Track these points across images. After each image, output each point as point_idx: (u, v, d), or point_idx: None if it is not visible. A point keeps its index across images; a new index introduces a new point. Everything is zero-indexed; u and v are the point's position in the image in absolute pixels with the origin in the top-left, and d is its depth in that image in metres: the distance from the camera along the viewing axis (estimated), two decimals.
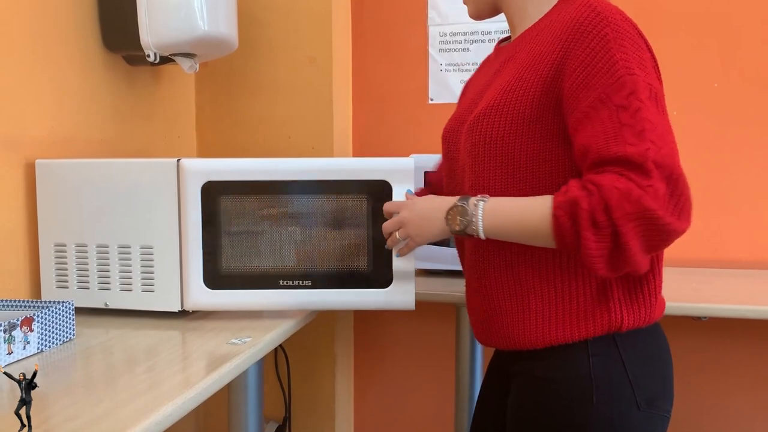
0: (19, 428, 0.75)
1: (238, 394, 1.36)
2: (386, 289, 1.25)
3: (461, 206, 1.01)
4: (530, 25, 1.09)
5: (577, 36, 0.97)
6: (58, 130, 1.41)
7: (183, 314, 1.26)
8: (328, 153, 1.92)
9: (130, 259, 1.25)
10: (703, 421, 1.92)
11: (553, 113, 0.99)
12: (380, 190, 1.24)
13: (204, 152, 2.00)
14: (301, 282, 1.26)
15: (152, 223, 1.23)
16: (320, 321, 1.93)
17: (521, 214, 0.97)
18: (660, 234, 0.89)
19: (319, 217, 1.26)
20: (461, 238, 1.14)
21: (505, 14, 1.16)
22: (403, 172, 1.23)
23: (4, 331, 0.97)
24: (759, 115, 1.86)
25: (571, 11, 1.00)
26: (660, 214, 0.87)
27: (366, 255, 1.26)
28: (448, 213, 1.03)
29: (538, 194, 0.99)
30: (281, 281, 1.26)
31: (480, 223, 1.00)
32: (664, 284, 1.07)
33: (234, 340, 1.10)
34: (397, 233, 1.12)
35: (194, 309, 1.24)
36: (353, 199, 1.25)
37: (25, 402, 0.75)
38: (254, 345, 1.08)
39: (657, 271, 1.03)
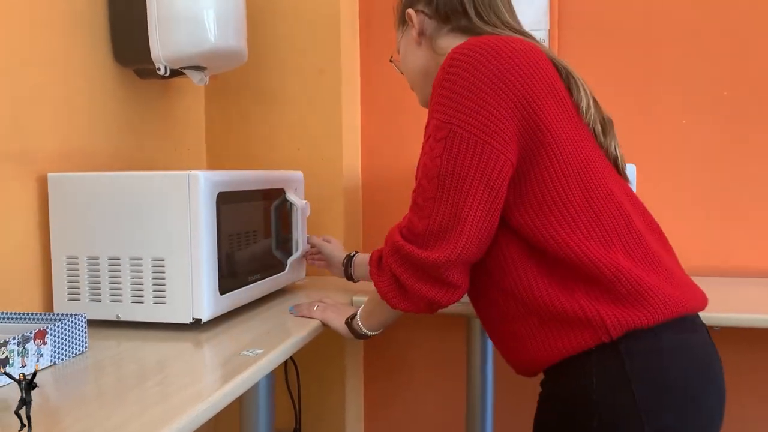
0: (19, 428, 0.75)
1: (249, 406, 1.36)
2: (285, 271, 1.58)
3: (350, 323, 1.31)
4: None
5: None
6: (70, 144, 1.43)
7: (194, 326, 1.26)
8: (337, 163, 1.92)
9: (141, 272, 1.26)
10: None
11: None
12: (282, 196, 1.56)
13: (214, 164, 2.01)
14: (255, 276, 1.44)
15: (164, 235, 1.24)
16: (330, 333, 1.93)
17: (374, 302, 1.23)
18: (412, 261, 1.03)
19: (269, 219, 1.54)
20: None
21: None
22: (296, 181, 1.62)
23: (18, 344, 0.97)
24: None
25: None
26: (407, 246, 1.02)
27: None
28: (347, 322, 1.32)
29: None
30: (249, 278, 1.41)
31: (364, 330, 1.30)
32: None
33: (245, 352, 1.10)
34: (315, 310, 1.35)
35: (208, 318, 1.25)
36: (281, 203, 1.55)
37: (25, 402, 0.75)
38: (265, 357, 1.08)
39: (628, 270, 0.96)
